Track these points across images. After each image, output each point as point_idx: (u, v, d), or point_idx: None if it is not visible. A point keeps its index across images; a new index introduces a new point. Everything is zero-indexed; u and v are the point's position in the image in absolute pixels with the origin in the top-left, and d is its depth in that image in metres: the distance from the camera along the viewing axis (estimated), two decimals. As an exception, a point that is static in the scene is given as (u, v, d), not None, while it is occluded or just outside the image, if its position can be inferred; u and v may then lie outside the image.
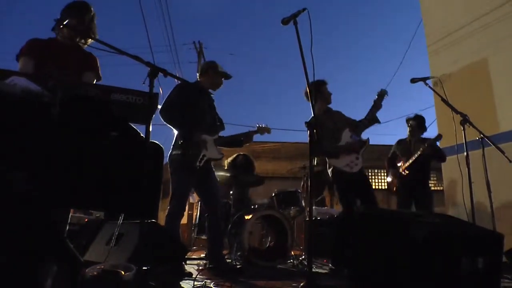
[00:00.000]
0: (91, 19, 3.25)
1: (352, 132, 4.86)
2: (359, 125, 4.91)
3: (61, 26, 3.08)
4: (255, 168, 6.81)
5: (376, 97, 4.89)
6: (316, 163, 7.37)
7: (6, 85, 1.95)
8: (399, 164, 6.19)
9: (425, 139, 6.09)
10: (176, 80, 3.58)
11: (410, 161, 5.92)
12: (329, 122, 4.96)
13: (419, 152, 5.81)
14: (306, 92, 4.93)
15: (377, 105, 4.87)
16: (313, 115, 2.92)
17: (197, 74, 4.79)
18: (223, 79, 4.74)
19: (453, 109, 4.28)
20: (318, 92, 4.99)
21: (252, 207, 6.05)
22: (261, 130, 4.99)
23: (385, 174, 17.27)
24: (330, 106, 5.17)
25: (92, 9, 3.27)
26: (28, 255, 1.73)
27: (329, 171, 4.95)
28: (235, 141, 4.84)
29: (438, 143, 5.91)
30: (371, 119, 4.90)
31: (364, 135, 4.96)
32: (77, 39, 3.25)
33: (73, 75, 3.12)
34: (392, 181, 6.27)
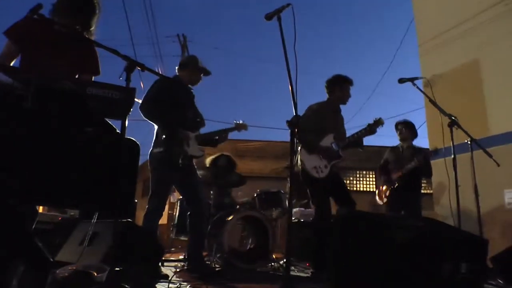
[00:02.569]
0: (95, 15, 3.15)
1: (335, 140, 4.91)
2: (344, 140, 4.97)
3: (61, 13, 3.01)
4: (236, 169, 6.82)
5: (372, 122, 4.95)
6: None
7: (-26, 76, 1.95)
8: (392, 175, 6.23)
9: (417, 148, 6.18)
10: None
11: (404, 171, 5.95)
12: (328, 119, 4.99)
13: (413, 164, 5.82)
14: (327, 83, 5.10)
15: (370, 130, 4.94)
16: (295, 114, 2.95)
17: (176, 67, 4.78)
18: (202, 75, 4.74)
19: (442, 111, 4.34)
20: (338, 86, 5.04)
21: (233, 207, 6.08)
22: (238, 127, 5.04)
23: (373, 176, 17.42)
24: (343, 105, 5.19)
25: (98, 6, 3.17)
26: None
27: (299, 165, 4.92)
28: (209, 140, 4.87)
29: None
30: (357, 140, 4.96)
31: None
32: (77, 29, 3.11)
33: (64, 70, 3.01)
34: (382, 190, 6.33)
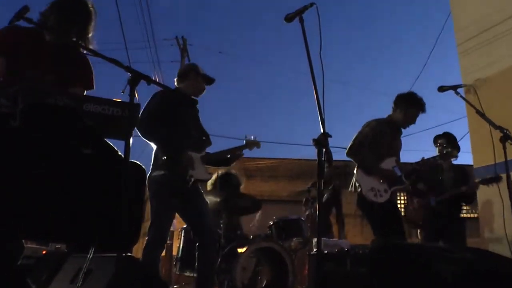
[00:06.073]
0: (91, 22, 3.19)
1: (397, 164, 4.97)
2: (406, 166, 5.07)
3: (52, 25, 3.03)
4: (240, 189, 6.78)
5: (444, 152, 5.21)
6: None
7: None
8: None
9: (459, 170, 6.14)
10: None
11: (444, 196, 5.91)
12: (387, 138, 5.08)
13: (458, 191, 5.80)
14: (396, 98, 5.21)
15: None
16: (322, 132, 2.92)
17: (175, 79, 4.80)
18: (205, 84, 4.79)
19: (491, 123, 4.24)
20: (403, 107, 5.14)
21: (247, 237, 6.05)
22: (249, 145, 5.03)
23: (404, 197, 17.25)
24: (402, 129, 5.31)
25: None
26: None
27: (355, 188, 5.00)
28: (221, 159, 4.90)
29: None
30: (415, 170, 5.13)
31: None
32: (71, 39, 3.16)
33: (54, 83, 3.04)
34: (417, 211, 6.28)
